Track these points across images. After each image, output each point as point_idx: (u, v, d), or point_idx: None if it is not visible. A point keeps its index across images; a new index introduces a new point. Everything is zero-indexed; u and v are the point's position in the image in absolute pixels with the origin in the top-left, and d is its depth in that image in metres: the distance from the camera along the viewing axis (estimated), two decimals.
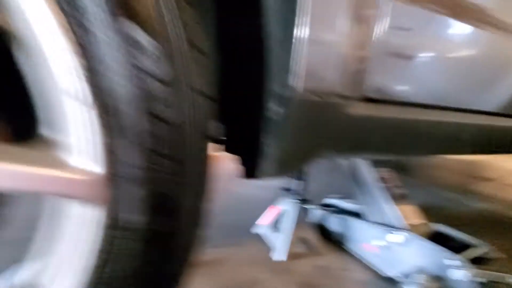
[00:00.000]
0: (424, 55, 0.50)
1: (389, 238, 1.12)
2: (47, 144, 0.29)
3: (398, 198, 1.21)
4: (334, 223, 1.44)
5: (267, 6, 0.40)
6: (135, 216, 0.31)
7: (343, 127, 0.47)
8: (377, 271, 1.11)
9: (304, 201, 1.30)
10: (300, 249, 1.28)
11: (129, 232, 0.31)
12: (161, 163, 0.30)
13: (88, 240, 0.31)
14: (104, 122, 0.27)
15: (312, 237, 1.28)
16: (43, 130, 0.29)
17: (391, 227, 1.16)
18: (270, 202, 1.37)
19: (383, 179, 1.27)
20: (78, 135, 0.28)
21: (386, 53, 0.46)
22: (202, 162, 0.33)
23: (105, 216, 0.30)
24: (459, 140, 0.64)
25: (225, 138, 0.54)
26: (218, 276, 1.01)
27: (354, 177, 1.36)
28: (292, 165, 0.46)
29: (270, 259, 1.16)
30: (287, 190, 1.33)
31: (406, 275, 0.97)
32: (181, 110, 0.30)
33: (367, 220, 1.27)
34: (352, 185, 1.36)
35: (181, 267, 0.36)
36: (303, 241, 1.29)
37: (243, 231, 1.35)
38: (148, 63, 0.26)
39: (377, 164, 1.38)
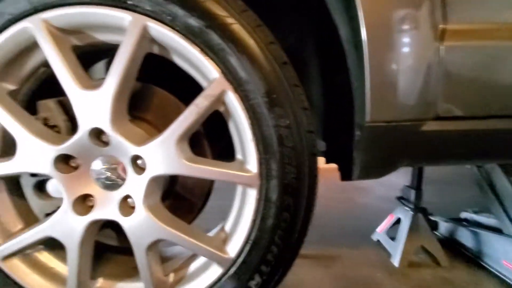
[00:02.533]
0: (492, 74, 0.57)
1: None
2: (238, 161, 0.63)
3: None
4: (467, 237, 1.33)
5: (350, 67, 0.64)
6: (274, 195, 0.61)
7: (419, 142, 0.61)
8: None
9: (421, 210, 1.30)
10: (422, 259, 1.28)
11: (271, 203, 0.61)
12: (287, 168, 0.59)
13: (252, 206, 0.63)
14: (260, 149, 0.58)
15: (438, 249, 1.25)
16: (237, 155, 0.64)
17: None
18: (390, 211, 1.43)
19: None
20: (250, 156, 0.60)
21: (454, 76, 0.58)
22: (312, 166, 0.59)
23: (259, 194, 0.61)
24: None
25: (326, 152, 0.79)
26: (334, 270, 1.20)
27: (492, 190, 1.23)
28: (375, 171, 0.65)
29: (387, 263, 1.24)
30: (404, 199, 1.36)
31: None
32: (297, 140, 0.57)
33: (507, 236, 1.13)
34: (489, 198, 1.23)
35: (302, 231, 0.63)
36: (426, 251, 1.28)
37: (362, 237, 1.48)
38: (280, 121, 0.56)
39: None
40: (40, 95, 0.71)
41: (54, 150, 0.61)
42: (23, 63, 0.64)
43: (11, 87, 0.65)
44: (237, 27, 0.54)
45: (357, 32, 0.56)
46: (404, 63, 0.55)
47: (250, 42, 0.55)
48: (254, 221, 0.63)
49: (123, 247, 0.77)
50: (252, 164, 0.61)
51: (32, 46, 0.61)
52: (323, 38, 0.80)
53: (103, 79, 0.75)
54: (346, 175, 0.73)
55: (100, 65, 0.87)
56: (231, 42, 0.54)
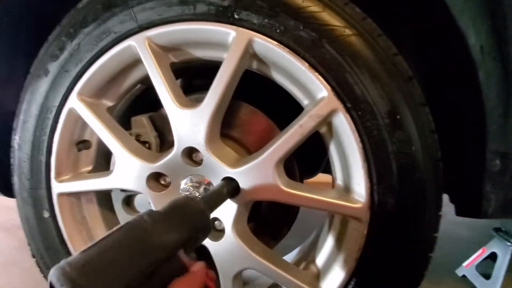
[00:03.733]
0: None
1: None
2: (338, 187, 0.56)
3: None
4: None
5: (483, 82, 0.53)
6: (386, 232, 0.52)
7: None
8: None
9: None
10: None
11: (381, 242, 0.52)
12: (406, 202, 0.50)
13: (356, 241, 0.54)
14: (373, 179, 0.50)
15: None
16: (337, 181, 0.57)
17: None
18: (475, 242, 1.22)
19: None
20: (357, 184, 0.52)
21: None
22: (436, 201, 0.50)
23: (367, 227, 0.53)
24: None
25: None
26: None
27: None
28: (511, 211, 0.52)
29: None
30: (502, 231, 1.15)
31: None
32: (421, 170, 0.48)
33: None
34: None
35: (416, 278, 0.53)
36: None
37: (444, 270, 1.28)
38: (403, 146, 0.47)
39: None
40: (132, 111, 0.72)
41: (148, 168, 0.60)
42: (122, 80, 0.64)
43: (110, 103, 0.66)
44: (355, 39, 0.47)
45: (506, 43, 0.45)
46: None
47: (371, 54, 0.47)
48: (358, 260, 0.54)
49: None
50: (360, 194, 0.53)
51: (132, 64, 0.61)
52: (429, 45, 0.69)
53: (190, 95, 0.75)
54: (464, 209, 0.61)
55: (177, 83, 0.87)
56: (348, 55, 0.48)
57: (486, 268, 1.19)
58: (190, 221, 0.39)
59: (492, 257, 1.19)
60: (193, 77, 0.82)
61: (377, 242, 0.52)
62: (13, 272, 1.14)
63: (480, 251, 1.23)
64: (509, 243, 1.12)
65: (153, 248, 0.33)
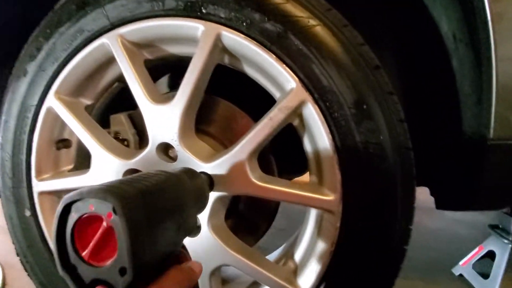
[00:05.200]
0: None
1: None
2: (313, 181, 0.55)
3: None
4: None
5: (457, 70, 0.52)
6: (358, 224, 0.51)
7: None
8: None
9: None
10: None
11: (355, 233, 0.51)
12: (377, 192, 0.49)
13: (330, 235, 0.54)
14: (344, 170, 0.49)
15: None
16: (311, 174, 0.56)
17: None
18: (473, 240, 1.19)
19: None
20: (329, 177, 0.52)
21: None
22: (407, 191, 0.49)
23: (339, 219, 0.52)
24: None
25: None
26: None
27: None
28: (498, 201, 0.51)
29: None
30: (499, 229, 1.12)
31: None
32: (390, 160, 0.47)
33: None
34: None
35: (392, 269, 0.52)
36: None
37: (439, 270, 1.25)
38: (371, 136, 0.47)
39: None
40: (111, 109, 0.72)
41: (124, 165, 0.60)
42: (99, 79, 0.65)
43: (88, 102, 0.67)
44: (320, 29, 0.47)
45: (476, 28, 0.44)
46: None
47: (336, 45, 0.47)
48: (333, 253, 0.53)
49: None
50: (332, 187, 0.52)
51: (108, 62, 0.62)
52: (402, 34, 0.68)
53: (167, 93, 0.75)
54: (444, 202, 0.59)
55: (163, 80, 0.88)
56: (313, 46, 0.47)
57: (484, 266, 1.16)
58: (202, 192, 0.44)
59: (491, 255, 1.16)
60: (180, 74, 0.82)
61: (350, 235, 0.51)
62: (12, 274, 1.15)
63: (476, 249, 1.20)
64: (507, 241, 1.09)
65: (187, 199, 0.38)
